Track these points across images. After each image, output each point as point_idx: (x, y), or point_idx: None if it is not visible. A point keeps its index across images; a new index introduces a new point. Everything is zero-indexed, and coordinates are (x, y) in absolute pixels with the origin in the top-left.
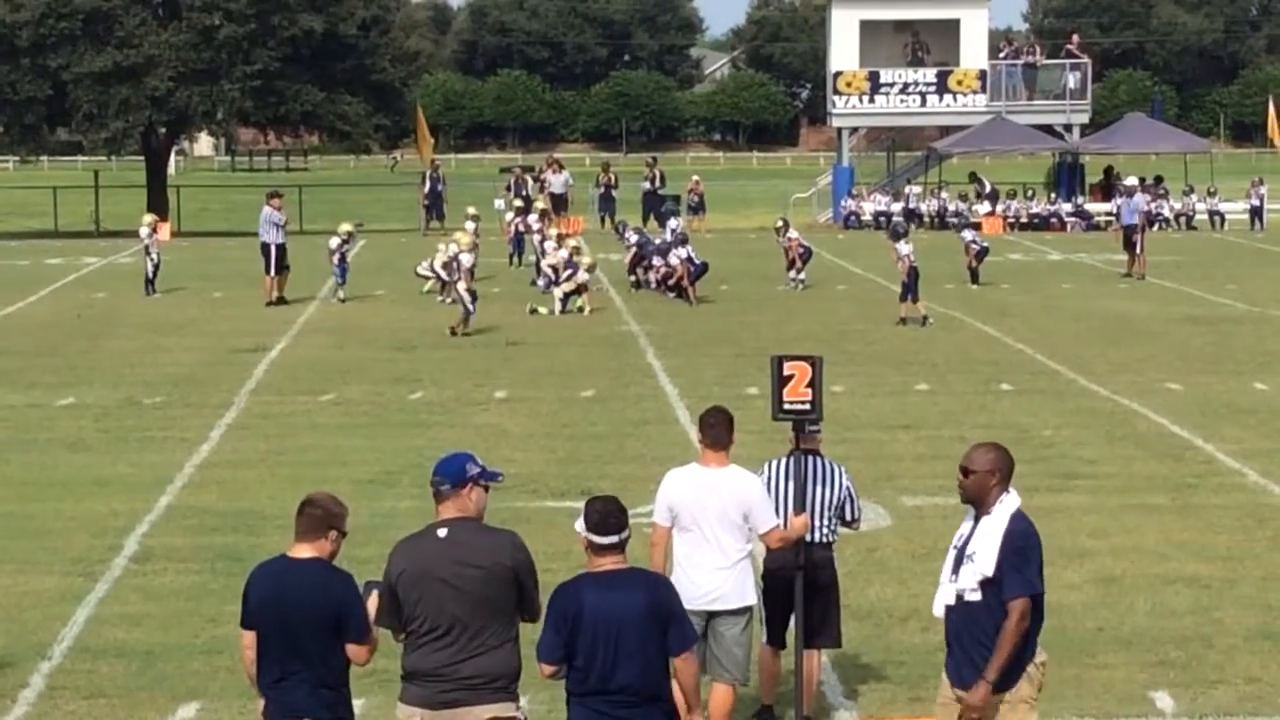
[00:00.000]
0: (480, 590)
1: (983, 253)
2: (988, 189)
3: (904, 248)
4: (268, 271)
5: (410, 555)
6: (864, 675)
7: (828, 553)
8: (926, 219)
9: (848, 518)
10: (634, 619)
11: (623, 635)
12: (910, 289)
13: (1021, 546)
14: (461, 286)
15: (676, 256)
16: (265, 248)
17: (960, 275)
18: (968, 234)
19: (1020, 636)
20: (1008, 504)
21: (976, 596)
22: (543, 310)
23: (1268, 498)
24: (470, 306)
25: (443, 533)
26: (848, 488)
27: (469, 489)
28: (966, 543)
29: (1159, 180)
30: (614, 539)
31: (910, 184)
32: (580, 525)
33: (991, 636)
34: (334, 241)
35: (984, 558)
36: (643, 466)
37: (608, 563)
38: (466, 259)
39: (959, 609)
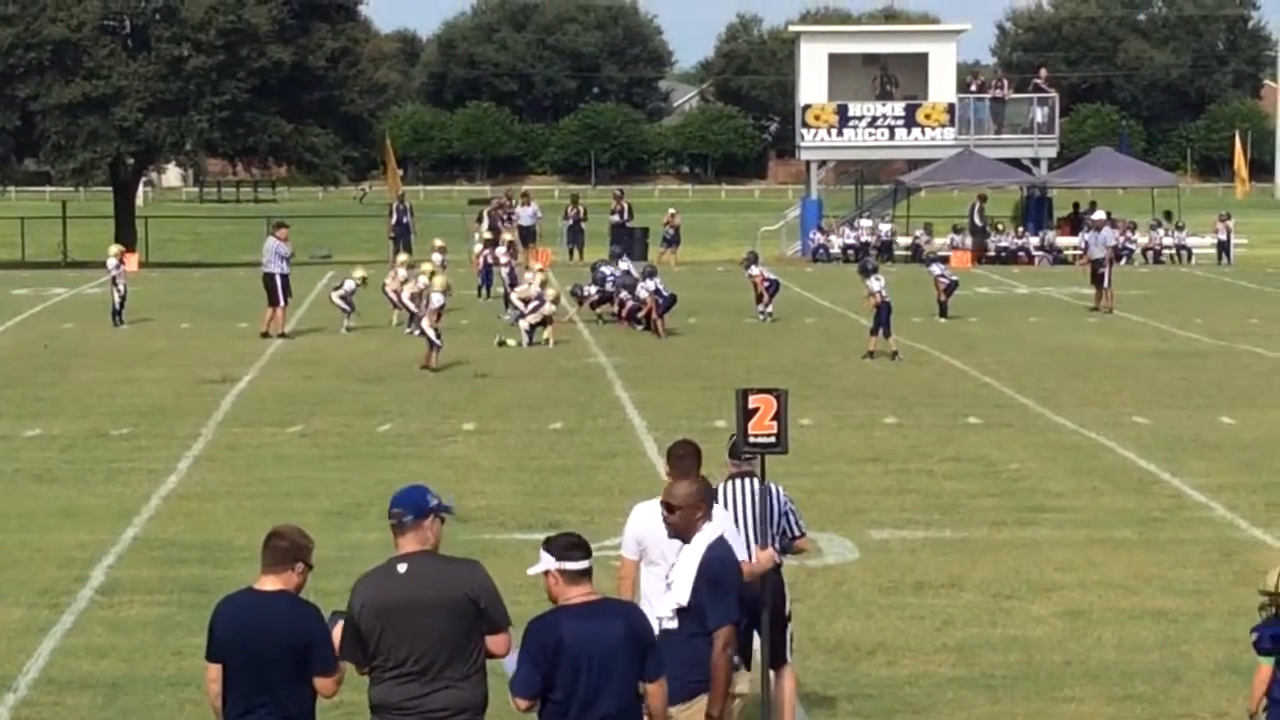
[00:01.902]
0: (444, 624)
1: (951, 286)
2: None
3: (875, 284)
4: (273, 303)
5: (372, 590)
6: (831, 708)
7: (775, 576)
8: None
9: (792, 534)
10: (614, 648)
11: (604, 665)
12: (882, 323)
13: (716, 575)
14: (426, 323)
15: (645, 289)
16: (270, 278)
17: (928, 308)
18: (936, 268)
19: (728, 662)
20: (707, 533)
21: (673, 625)
22: (511, 342)
23: (1235, 532)
24: (437, 341)
25: (403, 568)
26: (785, 501)
27: (430, 521)
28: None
29: (1168, 215)
30: (585, 564)
31: (864, 218)
32: (542, 565)
33: (688, 664)
34: (349, 285)
35: (680, 586)
36: (610, 499)
37: (580, 593)
38: (436, 299)
39: (661, 636)
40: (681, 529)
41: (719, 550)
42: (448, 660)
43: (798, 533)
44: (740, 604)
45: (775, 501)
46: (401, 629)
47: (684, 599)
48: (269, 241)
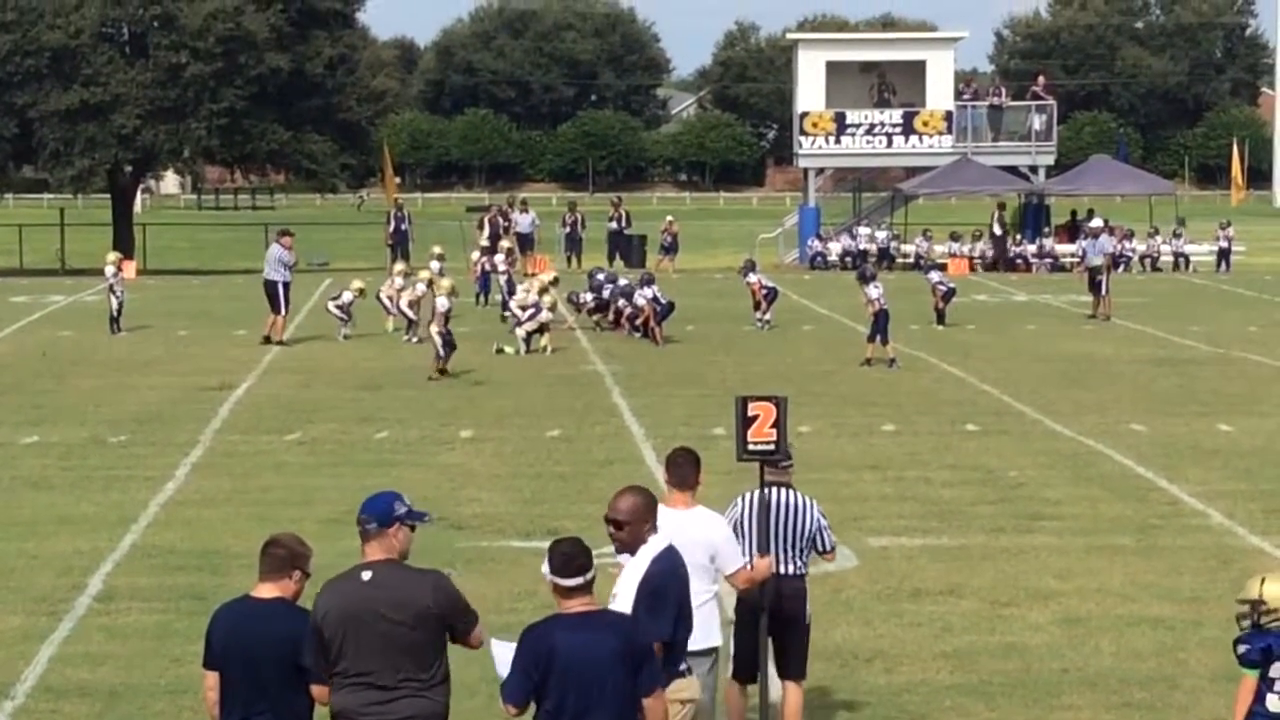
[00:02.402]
0: (405, 633)
1: (949, 294)
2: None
3: (873, 291)
4: (275, 310)
5: (334, 597)
6: (830, 716)
7: (799, 584)
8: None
9: (821, 549)
10: (608, 661)
11: (597, 678)
12: (880, 330)
13: (656, 588)
14: (434, 329)
15: (643, 296)
16: (271, 286)
17: (926, 316)
18: (934, 275)
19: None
20: (652, 545)
21: None
22: (509, 350)
23: (1232, 539)
24: (440, 350)
25: (366, 575)
26: (819, 517)
27: (395, 529)
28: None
29: (1181, 222)
30: (579, 580)
31: (862, 225)
32: (545, 569)
33: None
34: (347, 296)
35: (623, 599)
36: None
37: (577, 604)
38: (443, 303)
39: None
40: (628, 543)
41: (662, 564)
42: (410, 669)
43: (827, 548)
44: (747, 610)
45: (808, 516)
46: (363, 636)
47: (626, 613)
48: (272, 248)
